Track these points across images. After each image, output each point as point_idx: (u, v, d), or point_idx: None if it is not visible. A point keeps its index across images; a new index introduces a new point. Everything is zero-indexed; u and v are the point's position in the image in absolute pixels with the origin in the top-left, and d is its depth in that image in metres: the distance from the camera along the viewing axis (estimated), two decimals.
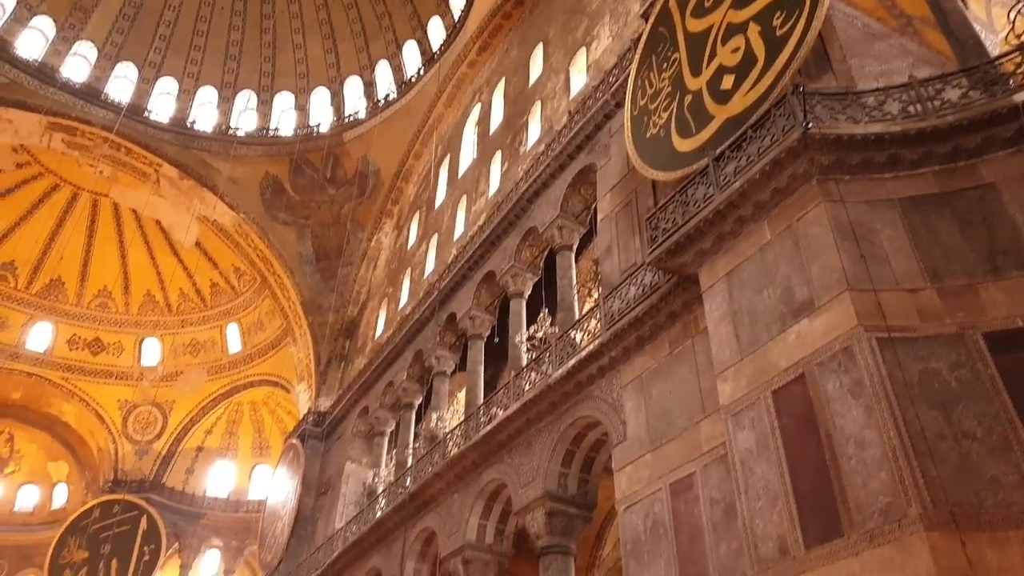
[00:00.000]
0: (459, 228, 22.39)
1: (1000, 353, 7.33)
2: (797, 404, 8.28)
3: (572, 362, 12.80)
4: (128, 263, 34.17)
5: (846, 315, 7.96)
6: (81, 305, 34.67)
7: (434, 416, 18.59)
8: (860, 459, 7.39)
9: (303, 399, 29.43)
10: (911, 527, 6.72)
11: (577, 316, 14.66)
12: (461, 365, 19.52)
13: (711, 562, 9.25)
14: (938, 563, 6.44)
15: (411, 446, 19.60)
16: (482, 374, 18.11)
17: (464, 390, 19.11)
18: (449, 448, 16.52)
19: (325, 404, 27.78)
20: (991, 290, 7.69)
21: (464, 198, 22.95)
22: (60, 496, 36.35)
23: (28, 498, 36.40)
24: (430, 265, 23.76)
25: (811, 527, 7.67)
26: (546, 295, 15.88)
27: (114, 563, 30.52)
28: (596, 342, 12.32)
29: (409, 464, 18.97)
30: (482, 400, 16.83)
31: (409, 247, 27.00)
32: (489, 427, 14.88)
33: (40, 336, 34.43)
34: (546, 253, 16.87)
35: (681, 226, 10.10)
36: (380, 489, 20.27)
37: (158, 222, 32.50)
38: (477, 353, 18.26)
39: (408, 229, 27.93)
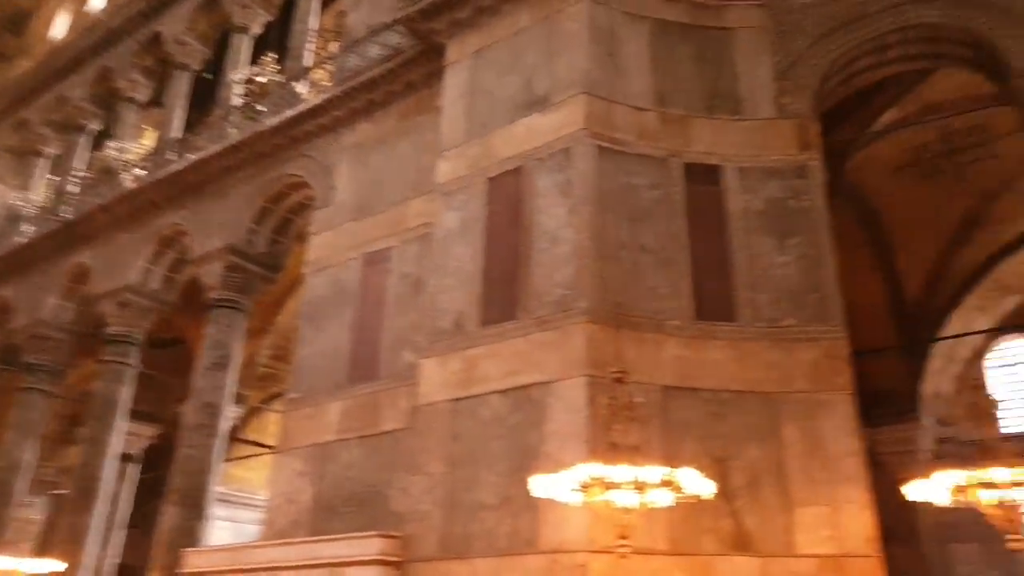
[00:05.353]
0: None
1: (692, 183, 8.00)
2: (508, 194, 8.41)
3: (291, 112, 11.78)
4: None
5: (576, 117, 8.08)
6: None
7: (113, 145, 16.18)
8: (551, 254, 7.76)
9: None
10: (577, 317, 7.29)
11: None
12: (158, 99, 17.02)
13: (387, 330, 9.41)
14: (589, 348, 7.11)
15: (78, 174, 16.99)
16: (183, 111, 15.98)
17: (156, 127, 16.84)
18: (125, 182, 14.60)
19: None
20: (701, 126, 8.26)
21: None
22: None
23: None
24: None
25: (490, 308, 8.03)
26: (278, 40, 14.16)
27: None
28: (323, 96, 11.38)
29: (72, 192, 16.49)
30: (178, 136, 14.95)
31: None
32: (181, 166, 13.37)
33: None
34: None
35: None
36: (27, 213, 17.48)
37: None
38: (181, 85, 15.94)
39: None
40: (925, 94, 10.35)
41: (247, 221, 12.35)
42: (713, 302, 7.62)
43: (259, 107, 12.60)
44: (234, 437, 16.15)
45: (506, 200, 8.40)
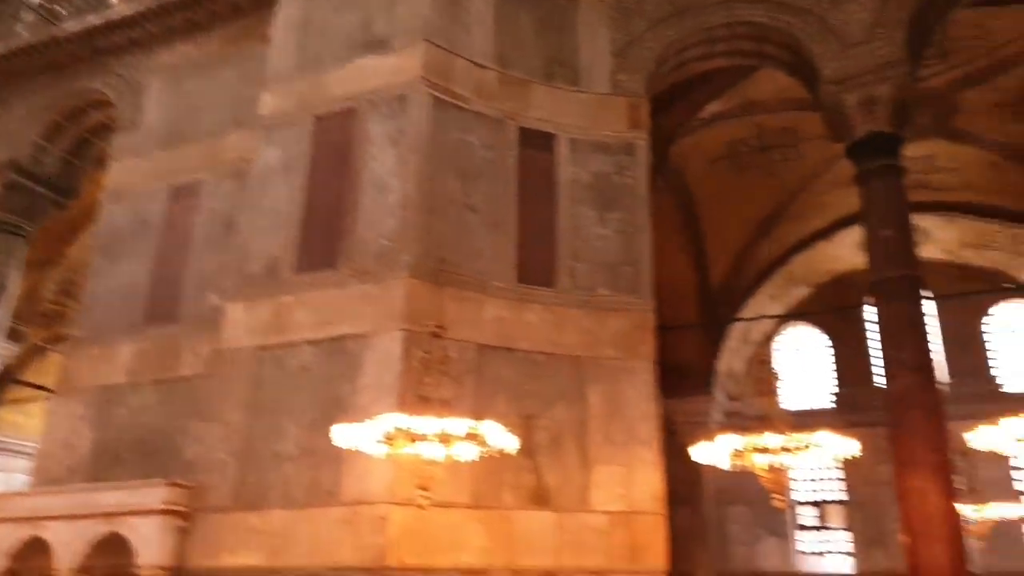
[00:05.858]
0: None
1: (526, 148, 8.02)
2: (336, 136, 8.01)
3: (97, 21, 10.51)
4: None
5: (415, 64, 7.81)
6: None
7: None
8: (378, 203, 7.49)
9: None
10: (399, 272, 7.11)
11: None
12: None
13: (191, 270, 8.73)
14: (409, 302, 6.96)
15: None
16: None
17: None
18: None
19: None
20: (539, 92, 8.28)
21: None
22: None
23: None
24: None
25: (307, 255, 7.65)
26: None
27: None
28: (136, 8, 10.25)
29: None
30: None
31: None
32: None
33: None
34: None
35: None
36: None
37: None
38: None
39: None
40: (748, 91, 10.99)
41: (34, 136, 10.95)
42: (535, 267, 7.72)
43: (58, 9, 11.14)
44: (8, 378, 14.49)
45: (334, 142, 7.99)
